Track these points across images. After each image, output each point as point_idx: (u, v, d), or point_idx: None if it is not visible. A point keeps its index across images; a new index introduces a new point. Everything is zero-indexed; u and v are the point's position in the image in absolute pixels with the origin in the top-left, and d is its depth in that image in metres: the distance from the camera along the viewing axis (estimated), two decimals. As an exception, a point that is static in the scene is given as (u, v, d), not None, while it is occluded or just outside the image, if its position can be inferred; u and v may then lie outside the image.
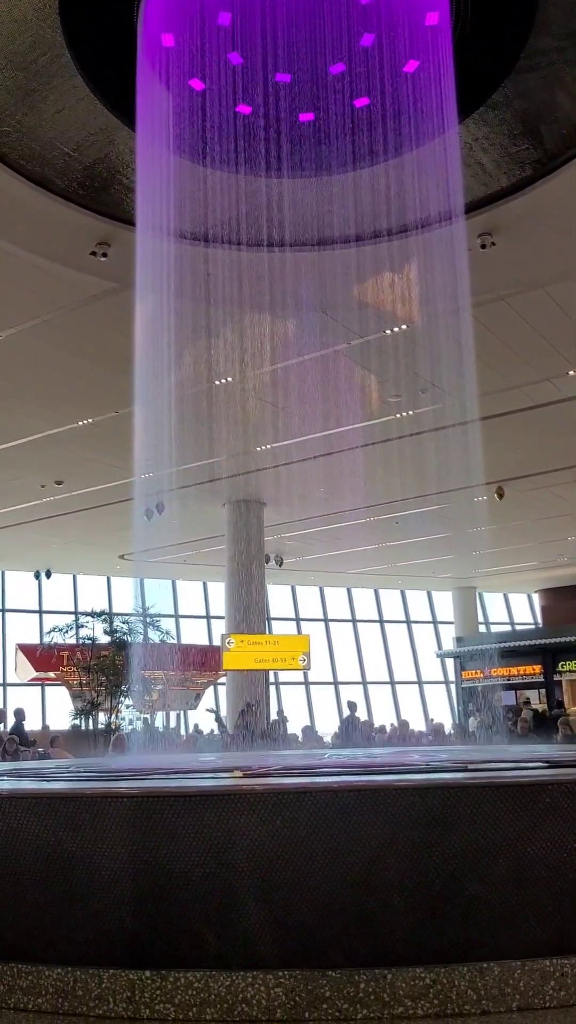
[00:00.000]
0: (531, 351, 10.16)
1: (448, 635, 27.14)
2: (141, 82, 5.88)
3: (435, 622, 28.03)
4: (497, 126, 6.44)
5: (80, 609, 21.71)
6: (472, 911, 2.61)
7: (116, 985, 2.59)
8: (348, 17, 5.66)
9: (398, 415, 11.80)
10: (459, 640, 25.84)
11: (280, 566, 19.62)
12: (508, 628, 28.70)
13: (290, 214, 7.14)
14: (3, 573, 22.80)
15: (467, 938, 2.60)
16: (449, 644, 26.48)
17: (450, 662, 26.04)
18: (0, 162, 6.68)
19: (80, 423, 12.02)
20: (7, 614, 22.86)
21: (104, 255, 7.73)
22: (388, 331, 9.38)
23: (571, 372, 10.77)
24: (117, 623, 18.54)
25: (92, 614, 18.85)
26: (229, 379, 10.29)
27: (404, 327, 9.19)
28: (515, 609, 29.67)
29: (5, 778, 3.81)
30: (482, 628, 27.62)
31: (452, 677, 26.02)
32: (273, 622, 23.59)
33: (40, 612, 22.86)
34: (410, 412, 11.67)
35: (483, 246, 7.65)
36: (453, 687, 25.95)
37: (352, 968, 2.54)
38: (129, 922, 2.69)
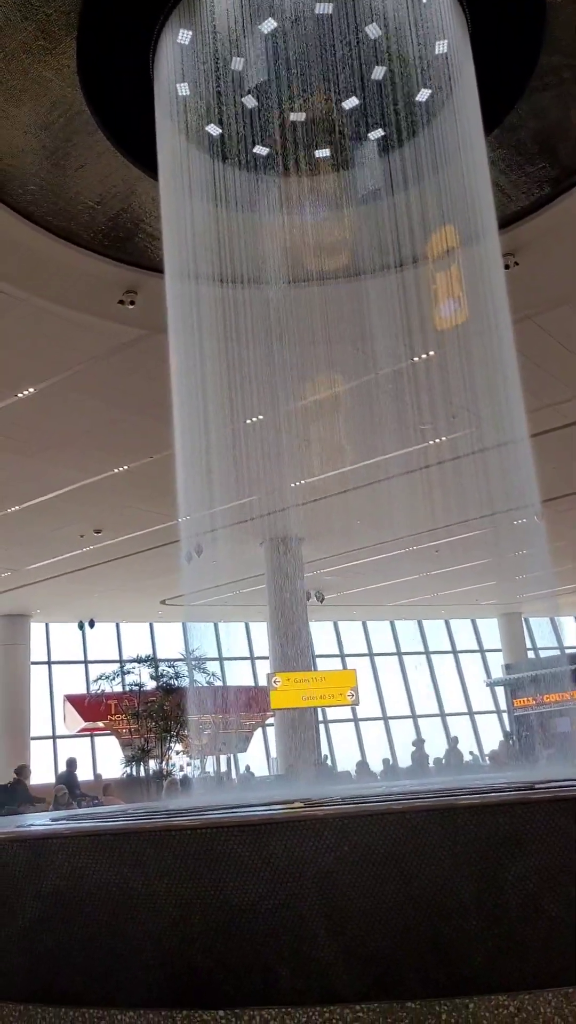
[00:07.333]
0: (561, 368, 10.10)
1: (496, 663, 26.71)
2: (160, 132, 6.02)
3: (482, 650, 27.61)
4: (513, 147, 6.49)
5: (125, 657, 21.75)
6: (553, 934, 2.52)
7: (191, 1027, 2.53)
8: (358, 52, 5.76)
9: (431, 442, 11.74)
10: (508, 667, 25.42)
11: (321, 602, 19.50)
12: (557, 653, 28.16)
13: (312, 249, 7.23)
14: (47, 625, 22.95)
15: (550, 962, 2.50)
16: (498, 672, 26.05)
17: (500, 690, 25.60)
18: (27, 220, 6.87)
19: (116, 470, 12.14)
20: (53, 666, 22.96)
21: (132, 303, 7.86)
22: (416, 359, 9.38)
23: (604, 386, 10.68)
24: (163, 668, 18.52)
25: (138, 660, 18.87)
26: (260, 417, 10.34)
27: (432, 353, 9.18)
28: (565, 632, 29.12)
29: (64, 821, 3.77)
30: (531, 654, 27.16)
31: (503, 706, 25.54)
32: (318, 660, 23.40)
33: (86, 662, 22.93)
34: (443, 438, 11.61)
35: (506, 266, 7.65)
36: (505, 716, 25.46)
37: (432, 998, 2.46)
38: (200, 960, 2.63)
